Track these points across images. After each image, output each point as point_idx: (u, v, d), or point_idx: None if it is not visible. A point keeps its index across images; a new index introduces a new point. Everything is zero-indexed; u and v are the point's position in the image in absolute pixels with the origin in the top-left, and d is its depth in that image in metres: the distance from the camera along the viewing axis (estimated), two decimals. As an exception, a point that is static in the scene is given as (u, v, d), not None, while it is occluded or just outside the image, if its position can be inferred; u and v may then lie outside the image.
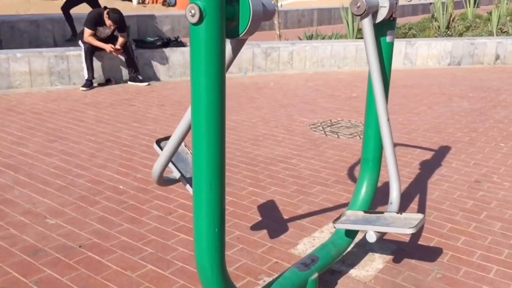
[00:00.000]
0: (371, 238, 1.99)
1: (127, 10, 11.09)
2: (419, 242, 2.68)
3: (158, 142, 2.17)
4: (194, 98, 1.37)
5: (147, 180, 3.42)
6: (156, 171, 1.98)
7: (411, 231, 1.94)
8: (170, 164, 2.07)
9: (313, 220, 2.90)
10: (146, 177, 3.47)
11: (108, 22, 6.13)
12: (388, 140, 2.11)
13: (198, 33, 1.32)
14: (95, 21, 6.15)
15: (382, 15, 2.08)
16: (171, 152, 1.89)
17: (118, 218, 2.88)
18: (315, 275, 2.01)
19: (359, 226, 2.05)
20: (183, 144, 2.19)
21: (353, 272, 2.39)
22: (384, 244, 2.65)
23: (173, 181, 2.17)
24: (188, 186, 2.08)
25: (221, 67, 1.35)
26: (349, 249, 2.58)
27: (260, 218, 2.92)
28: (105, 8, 6.26)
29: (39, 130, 4.51)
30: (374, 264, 2.47)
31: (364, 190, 2.33)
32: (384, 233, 2.12)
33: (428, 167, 3.79)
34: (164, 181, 2.10)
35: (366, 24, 2.01)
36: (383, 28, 2.14)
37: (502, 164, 3.89)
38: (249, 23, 1.44)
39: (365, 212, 2.20)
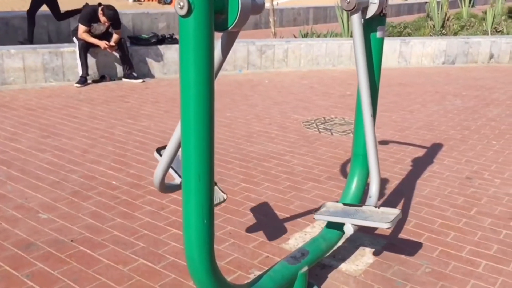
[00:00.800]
0: (349, 230, 2.04)
1: (122, 7, 11.08)
2: (409, 237, 2.70)
3: (158, 150, 2.17)
4: (183, 90, 1.38)
5: (140, 176, 3.43)
6: (157, 177, 1.97)
7: (387, 226, 1.98)
8: (170, 170, 2.06)
9: (305, 216, 2.92)
10: (139, 173, 3.48)
11: (102, 18, 6.13)
12: (371, 135, 2.14)
13: (186, 25, 1.33)
14: (89, 18, 6.14)
15: (372, 11, 2.10)
16: (170, 157, 1.88)
17: (110, 213, 2.89)
18: (305, 268, 2.03)
19: (337, 218, 2.08)
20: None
21: (343, 266, 2.41)
22: (374, 239, 2.67)
23: (176, 187, 2.15)
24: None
25: (209, 59, 1.36)
26: (339, 243, 2.61)
27: (252, 214, 2.93)
28: (100, 4, 6.26)
29: (33, 126, 4.50)
30: (364, 258, 2.49)
31: (354, 185, 2.35)
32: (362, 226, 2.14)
33: (420, 164, 3.82)
34: (166, 187, 2.09)
35: (356, 20, 2.03)
36: (373, 24, 2.16)
37: (493, 161, 3.92)
38: (237, 16, 1.45)
39: (344, 204, 2.22)
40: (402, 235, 2.73)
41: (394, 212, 2.08)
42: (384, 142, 4.32)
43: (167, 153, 1.86)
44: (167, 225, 2.77)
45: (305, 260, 2.05)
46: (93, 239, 2.59)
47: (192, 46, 1.33)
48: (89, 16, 6.16)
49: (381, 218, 2.02)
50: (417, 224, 2.86)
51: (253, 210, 2.98)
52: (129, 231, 2.69)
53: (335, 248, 2.47)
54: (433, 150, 4.17)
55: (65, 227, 2.71)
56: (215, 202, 2.08)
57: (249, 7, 1.47)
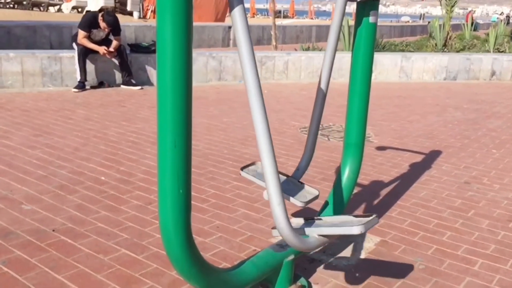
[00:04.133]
0: (266, 196, 1.98)
1: (127, 22, 11.15)
2: (404, 235, 2.60)
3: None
4: (159, 50, 1.31)
5: (130, 173, 3.35)
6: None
7: (300, 205, 1.96)
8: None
9: (297, 213, 2.83)
10: (129, 170, 3.40)
11: (102, 24, 6.13)
12: (319, 108, 2.12)
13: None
14: (89, 23, 6.14)
15: (364, -6, 2.05)
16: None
17: (96, 206, 2.81)
18: (291, 257, 1.93)
19: (260, 182, 1.98)
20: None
21: (333, 261, 2.31)
22: (367, 236, 2.58)
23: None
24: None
25: (187, 10, 1.29)
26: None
27: (242, 210, 2.85)
28: (100, 10, 6.27)
29: (26, 125, 4.45)
30: (355, 254, 2.39)
31: (346, 175, 2.26)
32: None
33: (417, 169, 3.73)
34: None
35: (339, 2, 1.97)
36: (365, 8, 2.10)
37: (493, 168, 3.84)
38: None
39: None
40: (396, 232, 2.63)
41: (313, 192, 2.06)
42: (381, 148, 4.25)
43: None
44: (154, 218, 2.68)
45: (291, 249, 1.95)
46: (75, 230, 2.50)
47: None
48: (89, 22, 6.16)
49: (299, 196, 1.99)
50: (412, 223, 2.76)
51: (244, 206, 2.90)
52: (113, 223, 2.60)
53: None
54: (432, 156, 4.09)
55: (48, 217, 2.63)
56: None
57: None
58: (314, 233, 1.75)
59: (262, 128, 1.53)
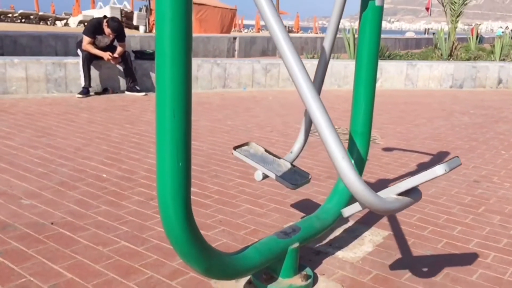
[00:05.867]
0: (258, 177, 1.97)
1: (133, 33, 11.22)
2: (412, 230, 2.52)
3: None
4: (158, 17, 1.26)
5: (132, 171, 3.30)
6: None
7: (291, 187, 1.91)
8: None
9: (301, 208, 2.76)
10: (131, 168, 3.35)
11: (107, 30, 6.13)
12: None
13: None
14: (94, 29, 6.15)
15: (370, -25, 2.00)
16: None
17: (96, 201, 2.75)
18: (296, 244, 1.86)
19: (252, 162, 1.96)
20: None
21: (339, 253, 2.23)
22: (375, 230, 2.50)
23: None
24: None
25: (187, 19, 1.25)
26: (337, 234, 2.44)
27: (245, 205, 2.78)
28: (105, 17, 6.28)
29: (28, 127, 4.42)
30: (363, 247, 2.31)
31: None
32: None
33: (425, 168, 3.59)
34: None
35: None
36: (371, -9, 2.05)
37: (502, 168, 3.75)
38: None
39: (265, 150, 2.11)
40: (404, 227, 2.55)
41: (304, 176, 2.02)
42: (388, 149, 4.17)
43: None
44: (155, 213, 2.61)
45: (296, 236, 1.88)
46: (74, 223, 2.44)
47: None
48: (93, 28, 6.17)
49: (290, 178, 1.94)
50: (421, 218, 2.68)
51: (247, 202, 2.83)
52: (114, 217, 2.54)
53: (329, 230, 2.32)
54: (439, 157, 4.01)
55: (47, 212, 2.57)
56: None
57: None
58: (391, 193, 1.51)
59: (304, 80, 1.42)
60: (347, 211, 1.55)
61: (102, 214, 2.57)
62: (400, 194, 1.50)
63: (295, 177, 2.01)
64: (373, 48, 2.10)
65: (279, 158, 2.10)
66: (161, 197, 1.37)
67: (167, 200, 1.36)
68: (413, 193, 1.53)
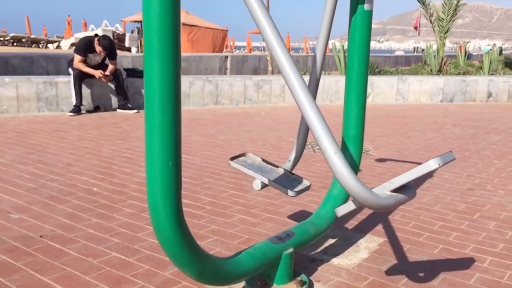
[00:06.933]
0: (257, 186, 1.95)
1: (124, 53, 11.24)
2: (408, 236, 2.49)
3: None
4: (145, 8, 1.25)
5: (123, 184, 3.26)
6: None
7: (292, 194, 1.89)
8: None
9: (295, 217, 2.72)
10: (122, 182, 3.31)
11: (98, 48, 6.14)
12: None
13: None
14: (85, 48, 6.15)
15: (358, -20, 2.01)
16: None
17: (87, 214, 2.70)
18: (290, 249, 1.83)
19: (250, 171, 1.95)
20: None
21: (335, 260, 2.20)
22: (370, 237, 2.47)
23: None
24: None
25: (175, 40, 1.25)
26: (332, 241, 2.41)
27: (239, 215, 2.74)
28: (96, 35, 6.29)
29: (19, 144, 4.37)
30: (358, 254, 2.27)
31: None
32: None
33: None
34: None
35: None
36: (360, -4, 2.07)
37: (496, 176, 3.74)
38: None
39: (263, 160, 2.10)
40: (399, 234, 2.52)
41: (304, 183, 2.00)
42: (381, 160, 4.16)
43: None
44: (147, 224, 2.57)
45: (290, 241, 1.85)
46: (64, 236, 2.39)
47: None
48: (85, 46, 6.18)
49: (290, 185, 1.92)
50: (416, 225, 2.66)
51: (241, 212, 2.79)
52: (105, 229, 2.49)
53: (324, 238, 2.28)
54: (433, 166, 3.99)
55: (36, 225, 2.52)
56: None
57: None
58: (386, 190, 1.48)
59: (293, 74, 1.41)
60: (340, 210, 1.53)
61: (93, 227, 2.52)
62: (395, 191, 1.48)
63: (294, 184, 1.99)
64: (364, 52, 2.10)
65: (277, 167, 2.09)
66: (151, 197, 1.34)
67: (157, 200, 1.33)
68: (407, 191, 1.51)
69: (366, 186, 1.38)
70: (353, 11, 2.08)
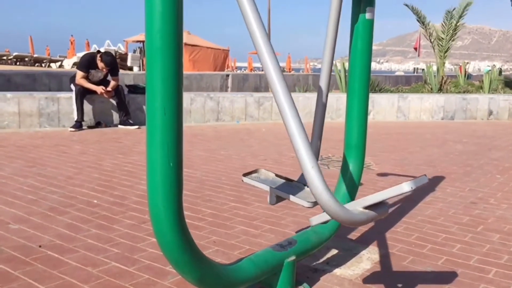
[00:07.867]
0: (272, 201, 1.92)
1: (126, 72, 11.31)
2: (411, 248, 2.46)
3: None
4: (147, 9, 1.25)
5: (123, 196, 3.23)
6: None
7: (308, 205, 1.84)
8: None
9: (297, 228, 2.69)
10: (123, 194, 3.28)
11: (100, 64, 6.17)
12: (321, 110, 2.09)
13: None
14: (87, 64, 6.19)
15: (360, -11, 2.03)
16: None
17: (87, 225, 2.67)
18: (292, 257, 1.80)
19: (264, 186, 1.92)
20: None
21: (337, 271, 2.16)
22: (372, 248, 2.44)
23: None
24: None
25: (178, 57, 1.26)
26: (334, 252, 2.37)
27: (240, 227, 2.71)
28: (98, 51, 6.33)
29: (19, 158, 4.36)
30: (361, 265, 2.24)
31: (348, 178, 2.16)
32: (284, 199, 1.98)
33: (421, 191, 3.61)
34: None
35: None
36: (361, 5, 2.08)
37: (499, 190, 3.72)
38: None
39: (276, 175, 2.07)
40: (402, 245, 2.49)
41: None
42: (383, 175, 4.14)
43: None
44: (147, 235, 2.54)
45: (292, 249, 1.82)
46: (63, 246, 2.36)
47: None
48: (87, 62, 6.21)
49: (306, 197, 1.88)
50: (420, 237, 2.62)
51: (242, 224, 2.76)
52: (104, 239, 2.47)
53: (326, 249, 2.25)
54: (435, 181, 3.98)
55: (35, 235, 2.49)
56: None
57: None
58: (358, 206, 1.50)
59: (280, 86, 1.41)
60: (315, 220, 1.54)
61: (92, 237, 2.49)
62: (367, 207, 1.48)
63: (310, 196, 1.94)
64: (365, 59, 2.10)
65: (291, 180, 2.06)
66: (152, 199, 1.32)
67: (158, 203, 1.31)
68: (380, 208, 1.51)
69: (339, 202, 1.38)
70: (354, 20, 2.09)
